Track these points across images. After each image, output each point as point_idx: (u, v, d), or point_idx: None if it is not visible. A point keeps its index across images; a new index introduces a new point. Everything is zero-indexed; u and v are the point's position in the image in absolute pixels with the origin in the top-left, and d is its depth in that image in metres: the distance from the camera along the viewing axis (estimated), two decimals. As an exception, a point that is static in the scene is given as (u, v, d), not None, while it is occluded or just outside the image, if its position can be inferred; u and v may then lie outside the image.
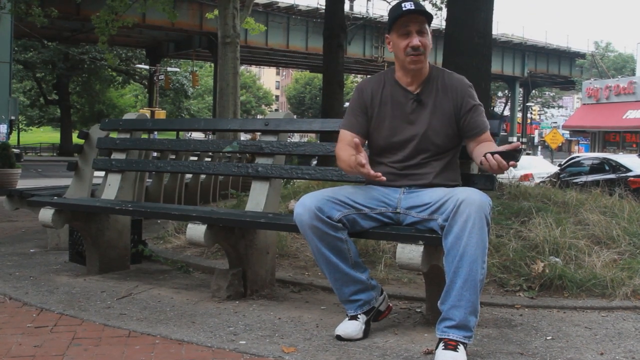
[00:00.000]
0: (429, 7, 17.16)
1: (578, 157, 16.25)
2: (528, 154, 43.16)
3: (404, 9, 2.78)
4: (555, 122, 58.30)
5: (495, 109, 53.58)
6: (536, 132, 60.25)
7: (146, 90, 45.75)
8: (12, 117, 25.71)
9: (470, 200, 2.51)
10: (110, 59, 16.82)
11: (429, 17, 2.84)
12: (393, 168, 2.89)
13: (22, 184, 11.13)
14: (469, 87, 2.89)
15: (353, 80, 61.39)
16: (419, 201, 2.76)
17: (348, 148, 2.86)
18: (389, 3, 18.49)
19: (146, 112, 32.07)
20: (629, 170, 12.07)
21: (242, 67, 63.68)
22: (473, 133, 2.85)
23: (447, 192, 2.66)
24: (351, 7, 34.76)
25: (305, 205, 2.71)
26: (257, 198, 3.66)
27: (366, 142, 3.02)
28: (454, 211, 2.51)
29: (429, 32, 2.86)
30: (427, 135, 2.85)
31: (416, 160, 2.87)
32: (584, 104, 39.14)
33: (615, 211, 4.82)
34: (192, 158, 7.33)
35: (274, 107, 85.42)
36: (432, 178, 2.83)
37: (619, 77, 41.08)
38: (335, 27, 12.01)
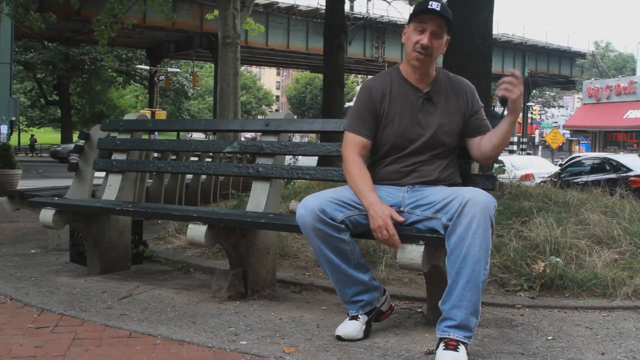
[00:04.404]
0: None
1: (579, 156, 16.25)
2: (529, 153, 43.19)
3: (429, 6, 2.79)
4: (556, 122, 58.29)
5: (495, 109, 53.40)
6: (537, 131, 60.23)
7: (147, 90, 45.78)
8: (13, 118, 25.72)
9: (476, 200, 2.51)
10: (109, 62, 16.83)
11: (449, 23, 2.83)
12: (400, 166, 2.89)
13: (22, 184, 11.12)
14: (474, 90, 2.98)
15: (354, 81, 61.42)
16: (423, 200, 2.75)
17: (361, 164, 2.86)
18: (389, 3, 18.52)
19: (147, 112, 32.11)
20: (629, 170, 12.07)
21: (243, 68, 63.71)
22: (481, 131, 2.92)
23: (452, 191, 2.66)
24: (351, 7, 34.78)
25: (308, 207, 2.70)
26: (258, 198, 3.66)
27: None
28: (459, 211, 2.51)
29: (445, 38, 2.87)
30: (437, 134, 2.86)
31: (422, 158, 2.87)
32: (585, 104, 39.13)
33: (616, 211, 4.82)
34: (192, 158, 7.34)
35: (274, 107, 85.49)
36: (437, 174, 2.84)
37: (620, 76, 41.06)
38: (335, 27, 12.00)
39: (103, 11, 13.07)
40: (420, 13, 2.82)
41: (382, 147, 2.94)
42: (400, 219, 2.69)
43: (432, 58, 2.85)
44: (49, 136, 58.15)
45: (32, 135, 40.74)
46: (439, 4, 2.79)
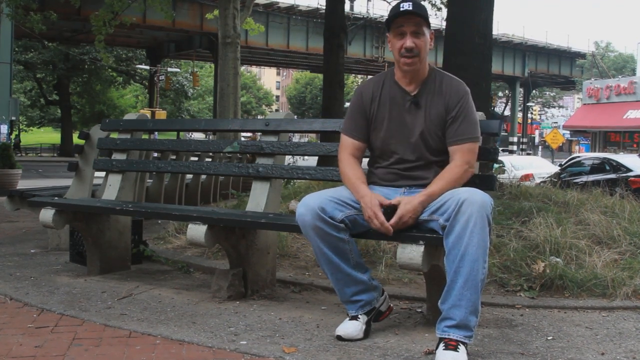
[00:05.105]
0: (428, 7, 17.16)
1: (579, 157, 16.24)
2: (529, 154, 43.15)
3: (401, 9, 2.78)
4: (556, 122, 58.26)
5: (495, 109, 53.57)
6: (537, 132, 60.24)
7: (147, 90, 45.74)
8: (13, 118, 25.69)
9: (472, 200, 2.51)
10: (105, 58, 16.81)
11: (426, 18, 2.82)
12: (393, 169, 2.89)
13: (22, 184, 11.12)
14: (464, 94, 2.86)
15: (354, 81, 61.45)
16: None
17: (353, 163, 2.90)
18: (389, 3, 18.50)
19: (147, 112, 32.11)
20: (629, 170, 12.05)
21: (243, 68, 63.75)
22: (448, 141, 2.84)
23: (448, 192, 2.66)
24: (351, 7, 34.77)
25: (308, 206, 2.71)
26: (258, 198, 3.66)
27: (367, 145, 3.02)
28: (456, 211, 2.51)
29: (427, 34, 2.85)
30: (424, 137, 2.85)
31: (415, 161, 2.86)
32: (585, 104, 39.12)
33: (616, 211, 4.82)
34: (192, 158, 7.34)
35: (274, 107, 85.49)
36: (433, 178, 2.82)
37: (620, 77, 41.06)
38: (335, 27, 12.00)
39: (102, 7, 13.08)
40: (395, 18, 2.81)
41: (375, 149, 2.97)
42: (386, 202, 2.70)
43: (421, 57, 2.83)
44: (49, 136, 58.18)
45: (17, 135, 40.93)
46: (410, 3, 2.77)
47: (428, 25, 2.85)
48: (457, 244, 2.50)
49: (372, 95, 2.94)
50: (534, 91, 56.17)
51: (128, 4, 13.42)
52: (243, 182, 8.76)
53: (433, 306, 2.89)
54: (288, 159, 6.53)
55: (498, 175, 5.82)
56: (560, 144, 38.59)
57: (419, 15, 2.80)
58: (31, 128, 50.33)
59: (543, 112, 66.12)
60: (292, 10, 34.01)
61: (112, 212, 3.88)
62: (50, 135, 58.27)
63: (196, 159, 7.42)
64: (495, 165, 5.98)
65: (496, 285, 3.69)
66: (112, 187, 4.22)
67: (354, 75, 56.26)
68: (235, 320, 3.06)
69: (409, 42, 2.79)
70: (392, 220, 2.62)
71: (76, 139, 5.76)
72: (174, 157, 6.48)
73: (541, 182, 10.14)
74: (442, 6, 15.69)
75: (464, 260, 2.48)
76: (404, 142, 2.87)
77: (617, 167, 12.45)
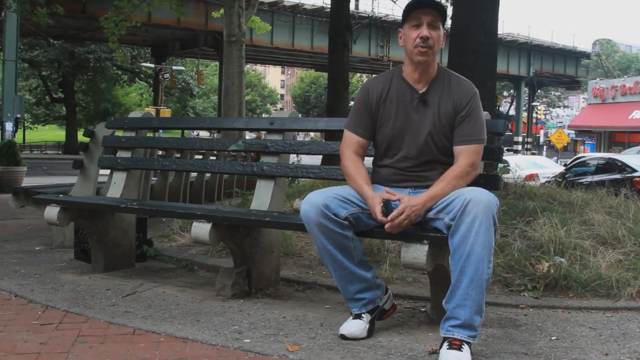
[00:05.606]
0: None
1: (583, 157, 16.19)
2: (533, 153, 43.06)
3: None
4: (561, 122, 58.11)
5: (500, 108, 53.48)
6: (541, 131, 60.12)
7: (151, 88, 45.79)
8: (18, 115, 25.72)
9: (478, 199, 2.50)
10: (121, 57, 16.89)
11: (442, 14, 2.83)
12: (398, 169, 2.89)
13: (27, 181, 11.16)
14: (473, 94, 2.86)
15: (358, 80, 61.41)
16: None
17: (357, 161, 2.90)
18: (394, 2, 18.50)
19: (151, 110, 32.14)
20: (634, 170, 12.01)
21: (248, 66, 63.73)
22: (455, 141, 2.83)
23: (453, 192, 2.65)
24: (357, 6, 34.76)
25: (312, 202, 2.71)
26: (262, 197, 3.67)
27: (371, 142, 3.02)
28: (461, 210, 2.51)
29: (442, 30, 2.85)
30: (431, 136, 2.84)
31: (420, 161, 2.86)
32: (590, 104, 39.01)
33: (620, 211, 4.80)
34: (197, 156, 7.35)
35: (279, 106, 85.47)
36: (437, 178, 2.81)
37: (625, 77, 40.92)
38: (340, 26, 12.00)
39: (111, 10, 13.14)
40: (413, 10, 2.81)
41: (380, 147, 2.96)
42: (393, 198, 2.69)
43: (434, 51, 2.82)
44: (54, 133, 58.32)
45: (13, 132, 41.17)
46: None
47: (443, 22, 2.85)
48: (462, 243, 2.50)
49: (379, 93, 2.93)
50: (539, 91, 56.02)
51: (136, 5, 13.46)
52: (247, 181, 8.77)
53: (437, 305, 2.89)
54: (292, 158, 6.54)
55: (502, 175, 5.81)
56: (565, 144, 38.50)
57: (437, 9, 2.80)
58: (36, 126, 50.46)
59: (548, 112, 65.93)
60: (297, 8, 34.00)
61: (117, 210, 3.89)
62: (55, 133, 58.45)
63: (200, 157, 7.44)
64: (500, 165, 5.97)
65: (500, 285, 3.69)
66: (116, 185, 4.23)
67: (358, 74, 56.23)
68: (239, 319, 3.06)
69: (425, 31, 2.78)
70: (393, 213, 2.62)
71: (81, 137, 5.77)
72: (178, 155, 6.49)
73: (546, 182, 10.12)
74: (448, 4, 15.67)
75: (469, 260, 2.48)
76: (410, 139, 2.86)
77: (622, 167, 12.41)
